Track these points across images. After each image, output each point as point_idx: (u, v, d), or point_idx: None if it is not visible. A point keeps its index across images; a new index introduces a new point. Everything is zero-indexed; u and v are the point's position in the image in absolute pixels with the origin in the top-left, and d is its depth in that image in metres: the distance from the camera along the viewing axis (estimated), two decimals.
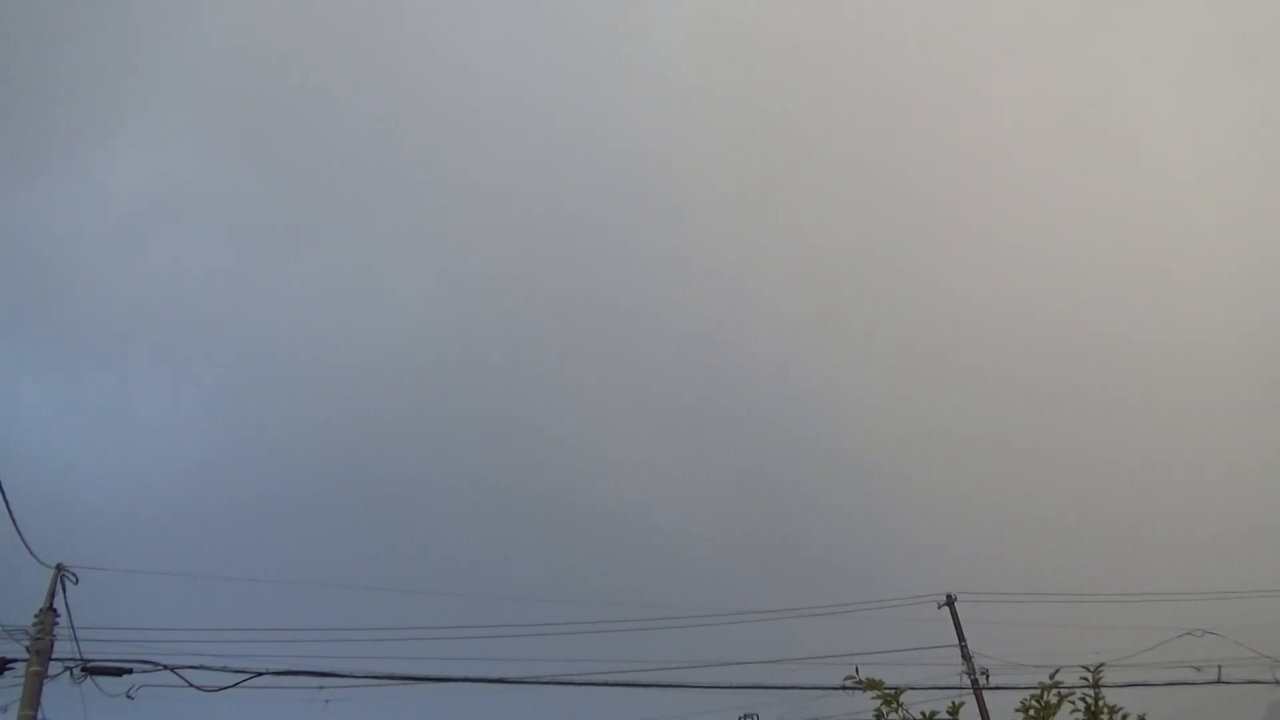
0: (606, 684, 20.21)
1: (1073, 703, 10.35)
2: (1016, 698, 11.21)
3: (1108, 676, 11.34)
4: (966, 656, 24.54)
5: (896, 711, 10.45)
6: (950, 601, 25.35)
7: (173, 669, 17.44)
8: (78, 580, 17.79)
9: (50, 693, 17.08)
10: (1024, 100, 42.91)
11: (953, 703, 10.63)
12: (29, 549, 16.72)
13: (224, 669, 17.68)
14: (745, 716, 26.97)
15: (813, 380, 43.38)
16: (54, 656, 17.25)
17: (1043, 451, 39.23)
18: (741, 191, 44.90)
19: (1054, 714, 10.40)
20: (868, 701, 10.43)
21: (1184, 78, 42.37)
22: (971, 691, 23.79)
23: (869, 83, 43.66)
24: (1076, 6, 43.28)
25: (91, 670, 17.45)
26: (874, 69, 43.41)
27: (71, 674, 17.35)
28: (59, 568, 17.70)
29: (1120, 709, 10.85)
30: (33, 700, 16.71)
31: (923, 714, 10.61)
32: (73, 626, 17.60)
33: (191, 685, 17.45)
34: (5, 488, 15.08)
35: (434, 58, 44.79)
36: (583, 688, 20.25)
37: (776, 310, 44.27)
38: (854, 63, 43.41)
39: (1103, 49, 43.32)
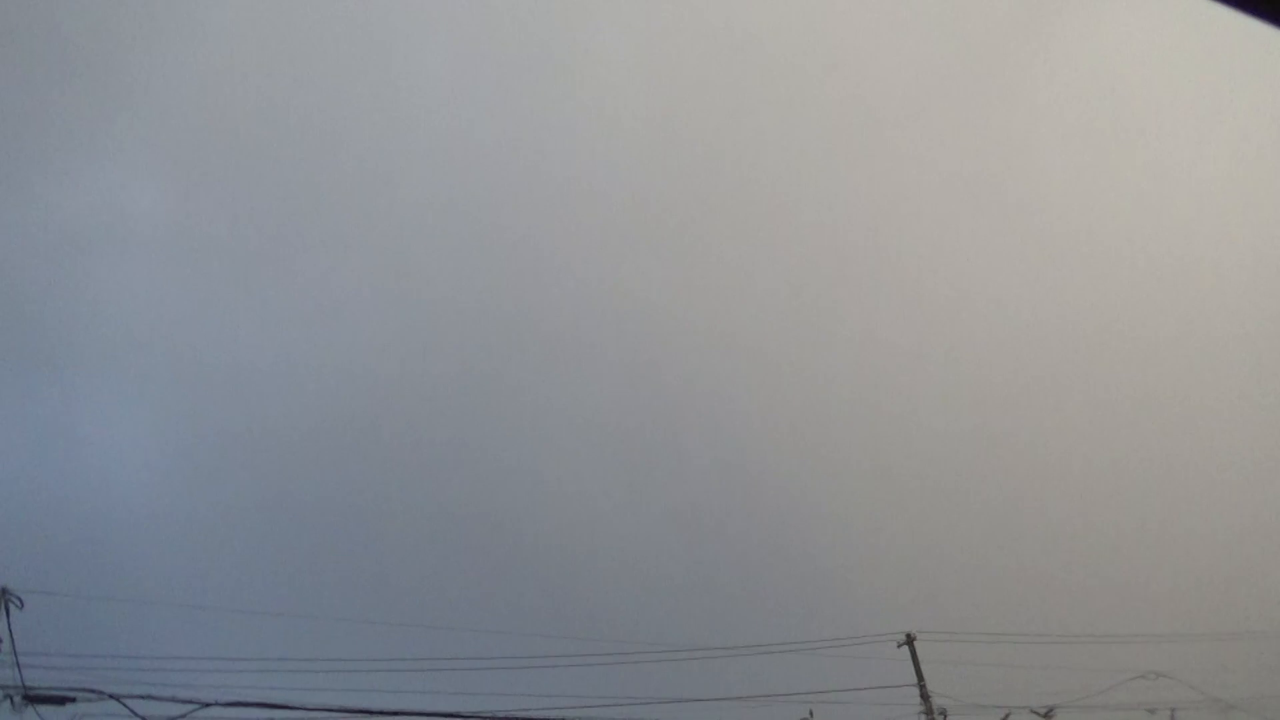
0: None
1: None
2: None
3: (1064, 717, 11.35)
4: (925, 696, 24.57)
5: None
6: (910, 640, 25.40)
7: (118, 698, 17.09)
8: (22, 605, 17.40)
9: None
10: (937, 153, 44.48)
11: None
12: None
13: (171, 699, 17.37)
14: None
15: (771, 417, 43.74)
16: None
17: (1002, 494, 39.68)
18: (685, 226, 45.84)
19: None
20: None
21: (1088, 132, 44.21)
22: None
23: (801, 129, 45.12)
24: (986, 65, 45.14)
25: (33, 699, 17.02)
26: (803, 117, 44.88)
27: (12, 702, 16.92)
28: (3, 591, 17.31)
29: None
30: None
31: None
32: (15, 652, 17.19)
33: (137, 715, 17.08)
34: None
35: (385, 87, 45.35)
36: None
37: (734, 343, 44.74)
38: (790, 110, 44.93)
39: (1007, 107, 45.23)
